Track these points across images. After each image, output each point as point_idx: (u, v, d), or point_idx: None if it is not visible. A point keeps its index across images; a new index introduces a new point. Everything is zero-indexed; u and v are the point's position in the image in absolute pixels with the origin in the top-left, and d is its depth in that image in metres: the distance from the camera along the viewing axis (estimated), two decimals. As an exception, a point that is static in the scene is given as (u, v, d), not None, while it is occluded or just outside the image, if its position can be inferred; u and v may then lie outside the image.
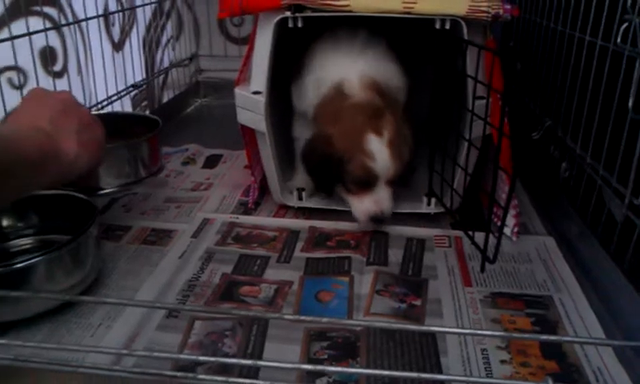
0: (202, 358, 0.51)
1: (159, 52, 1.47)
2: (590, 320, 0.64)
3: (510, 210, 0.79)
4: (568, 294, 0.69)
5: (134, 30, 1.33)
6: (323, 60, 0.84)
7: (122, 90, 1.21)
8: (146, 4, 1.35)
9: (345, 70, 0.81)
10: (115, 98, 1.18)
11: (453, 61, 0.79)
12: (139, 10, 1.34)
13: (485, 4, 0.72)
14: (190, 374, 0.50)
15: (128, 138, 0.90)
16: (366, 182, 0.78)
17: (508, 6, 0.74)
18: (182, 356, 0.55)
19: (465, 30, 0.73)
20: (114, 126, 0.86)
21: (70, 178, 0.64)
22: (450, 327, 0.62)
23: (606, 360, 0.58)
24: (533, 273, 0.73)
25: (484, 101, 0.69)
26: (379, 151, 0.76)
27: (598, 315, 0.65)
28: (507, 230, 0.80)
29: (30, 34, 0.86)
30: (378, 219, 0.79)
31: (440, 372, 0.56)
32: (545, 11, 1.00)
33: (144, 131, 0.92)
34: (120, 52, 1.27)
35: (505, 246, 0.79)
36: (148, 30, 1.40)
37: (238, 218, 0.88)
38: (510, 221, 0.80)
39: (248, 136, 0.87)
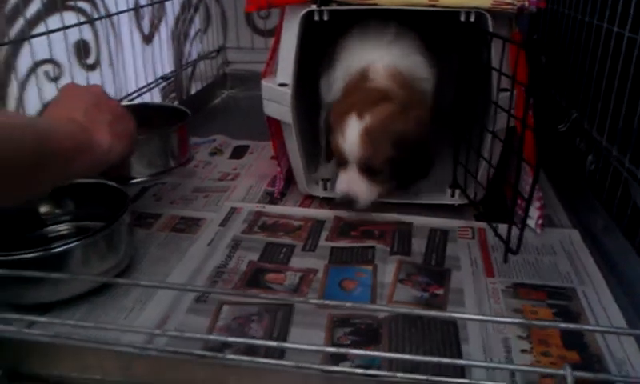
0: (230, 339, 0.53)
1: (187, 44, 1.50)
2: (613, 312, 0.64)
3: (534, 203, 0.79)
4: (592, 286, 0.69)
5: (163, 22, 1.36)
6: (352, 50, 0.86)
7: (152, 82, 1.24)
8: (175, -3, 1.38)
9: (372, 58, 0.82)
10: (145, 89, 1.21)
11: (478, 53, 0.80)
12: (168, 4, 1.37)
13: (510, -4, 0.73)
14: (219, 354, 0.52)
15: (158, 128, 0.92)
16: (342, 160, 0.79)
17: (534, -2, 0.74)
18: (211, 336, 0.58)
19: (490, 23, 0.73)
20: (144, 116, 0.88)
21: (103, 167, 0.66)
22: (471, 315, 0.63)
23: (628, 351, 0.58)
24: (556, 265, 0.73)
25: (508, 93, 0.70)
26: (351, 134, 0.76)
27: (621, 308, 0.65)
28: (531, 223, 0.80)
29: (64, 28, 0.89)
30: (347, 200, 0.80)
31: (461, 359, 0.57)
32: (572, 2, 0.99)
33: (173, 122, 0.94)
34: (150, 45, 1.30)
35: (529, 238, 0.79)
36: (177, 22, 1.43)
37: (264, 207, 0.90)
38: (535, 213, 0.80)
39: (274, 127, 0.89)
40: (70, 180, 0.70)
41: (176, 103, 1.39)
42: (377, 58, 0.82)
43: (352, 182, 0.79)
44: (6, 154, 0.48)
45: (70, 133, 0.60)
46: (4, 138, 0.48)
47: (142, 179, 0.88)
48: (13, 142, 0.49)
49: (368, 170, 0.79)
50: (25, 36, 0.83)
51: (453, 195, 0.86)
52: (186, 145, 0.95)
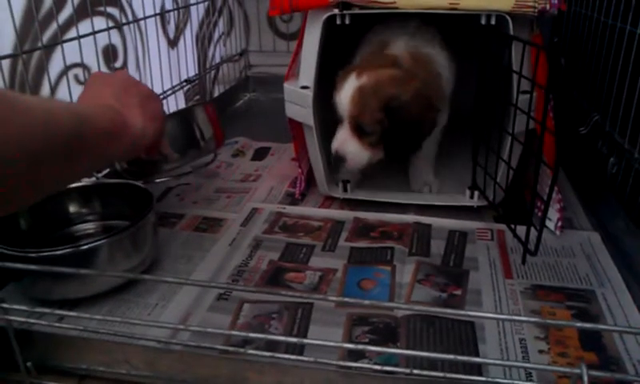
0: (251, 335, 0.54)
1: (211, 48, 1.52)
2: (633, 315, 0.64)
3: (554, 205, 0.79)
4: (611, 288, 0.69)
5: (188, 26, 1.39)
6: (373, 40, 0.87)
7: (176, 85, 1.27)
8: (200, 2, 1.40)
9: (394, 40, 0.83)
10: (170, 92, 1.23)
11: (498, 55, 0.80)
12: (193, 8, 1.40)
13: (531, -1, 0.73)
14: (241, 349, 0.54)
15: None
16: (339, 118, 0.80)
17: (555, 1, 0.74)
18: (233, 332, 0.59)
19: (510, 25, 0.73)
20: None
21: (138, 150, 0.67)
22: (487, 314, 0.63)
23: (647, 353, 0.58)
24: (575, 267, 0.73)
25: (528, 95, 0.70)
26: (345, 91, 0.77)
27: (641, 311, 0.65)
28: (551, 225, 0.80)
29: (94, 32, 0.91)
30: (338, 158, 0.80)
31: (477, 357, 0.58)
32: (595, 4, 0.99)
33: None
34: (175, 48, 1.33)
35: (548, 240, 0.79)
36: (201, 26, 1.45)
37: (285, 208, 0.91)
38: (554, 215, 0.80)
39: (295, 129, 0.90)
40: (108, 163, 0.70)
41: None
42: (398, 40, 0.83)
43: (343, 141, 0.80)
44: (50, 138, 0.48)
45: (106, 116, 0.60)
46: (48, 122, 0.49)
47: (172, 168, 0.86)
48: (56, 125, 0.50)
49: (358, 129, 0.79)
50: (57, 40, 0.86)
51: (472, 197, 0.87)
52: (219, 126, 0.88)
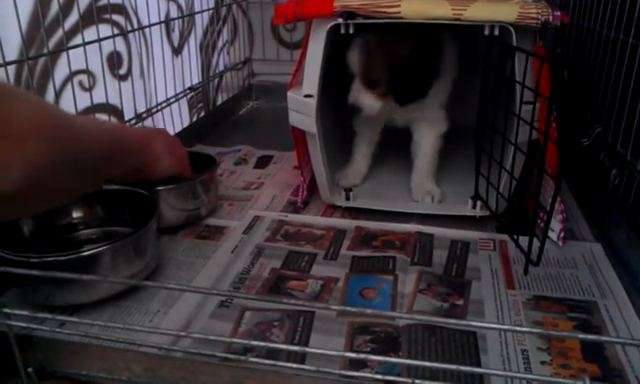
0: (253, 343, 0.54)
1: (215, 56, 1.53)
2: (635, 327, 0.64)
3: (556, 216, 0.79)
4: (614, 300, 0.69)
5: (192, 35, 1.40)
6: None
7: (180, 93, 1.27)
8: (204, 10, 1.41)
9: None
10: (173, 99, 1.24)
11: (501, 65, 0.80)
12: (197, 16, 1.40)
13: (534, 11, 0.73)
14: (242, 357, 0.54)
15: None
16: (353, 75, 0.87)
17: (558, 13, 0.74)
18: (235, 340, 0.59)
19: (514, 36, 0.74)
20: None
21: (153, 174, 0.79)
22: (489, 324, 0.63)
23: (650, 366, 0.58)
24: (578, 278, 0.73)
25: (531, 106, 0.70)
26: (355, 52, 0.85)
27: (643, 322, 0.64)
28: (553, 235, 0.80)
29: (99, 40, 0.92)
30: (355, 108, 0.87)
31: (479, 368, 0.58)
32: (598, 17, 0.99)
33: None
34: (179, 56, 1.33)
35: (551, 251, 0.79)
36: (205, 35, 1.46)
37: (287, 216, 0.91)
38: (557, 226, 0.80)
39: (298, 137, 0.91)
40: (129, 176, 0.77)
41: (202, 113, 1.42)
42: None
43: (358, 93, 0.86)
44: (92, 149, 0.59)
45: (136, 133, 0.75)
46: (91, 137, 0.59)
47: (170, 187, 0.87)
48: (97, 139, 0.61)
49: (369, 82, 0.85)
50: (62, 47, 0.86)
51: (474, 207, 0.87)
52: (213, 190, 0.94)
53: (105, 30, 0.95)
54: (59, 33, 0.89)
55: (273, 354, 0.58)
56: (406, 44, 0.82)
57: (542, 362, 0.58)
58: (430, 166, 0.93)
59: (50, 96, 0.89)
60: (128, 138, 0.73)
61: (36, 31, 0.87)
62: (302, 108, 0.85)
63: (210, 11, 1.45)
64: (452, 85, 0.90)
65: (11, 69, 0.77)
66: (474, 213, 0.87)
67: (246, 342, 0.56)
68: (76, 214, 0.82)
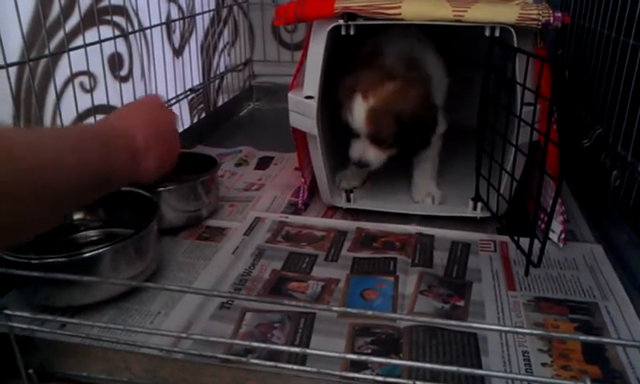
0: (254, 344, 0.54)
1: (216, 57, 1.53)
2: (636, 328, 0.64)
3: (557, 217, 0.79)
4: (615, 301, 0.69)
5: (193, 36, 1.40)
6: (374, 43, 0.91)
7: (181, 94, 1.27)
8: (205, 12, 1.41)
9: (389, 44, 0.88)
10: (174, 101, 1.24)
11: (502, 67, 0.80)
12: (198, 18, 1.40)
13: (535, 12, 0.73)
14: (243, 359, 0.54)
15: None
16: (353, 132, 0.86)
17: (559, 14, 0.74)
18: (236, 341, 0.59)
19: (515, 38, 0.74)
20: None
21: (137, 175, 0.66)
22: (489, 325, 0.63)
23: (651, 368, 0.58)
24: (579, 279, 0.73)
25: (532, 107, 0.70)
26: (358, 114, 0.83)
27: (644, 324, 0.64)
28: (554, 237, 0.80)
29: (100, 41, 0.92)
30: (359, 163, 0.87)
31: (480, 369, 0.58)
32: (598, 17, 0.99)
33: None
34: (180, 57, 1.33)
35: (551, 252, 0.79)
36: (206, 36, 1.46)
37: (287, 217, 0.91)
38: (557, 227, 0.80)
39: (299, 139, 0.91)
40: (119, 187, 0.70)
41: (203, 114, 1.42)
42: (392, 45, 0.88)
43: (363, 151, 0.86)
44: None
45: (125, 146, 0.61)
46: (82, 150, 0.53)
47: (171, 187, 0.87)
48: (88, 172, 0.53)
49: (376, 140, 0.85)
50: (63, 48, 0.86)
51: (475, 208, 0.87)
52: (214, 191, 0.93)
53: (106, 31, 0.95)
54: (60, 34, 0.89)
55: (274, 355, 0.58)
56: (411, 93, 0.82)
57: (543, 364, 0.58)
58: (431, 167, 0.93)
59: (51, 98, 0.89)
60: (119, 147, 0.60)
61: (37, 33, 0.87)
62: (303, 109, 0.85)
63: (211, 12, 1.45)
64: (446, 87, 0.91)
65: (12, 70, 0.77)
66: (475, 214, 0.87)
67: (246, 343, 0.56)
68: (77, 216, 0.82)
